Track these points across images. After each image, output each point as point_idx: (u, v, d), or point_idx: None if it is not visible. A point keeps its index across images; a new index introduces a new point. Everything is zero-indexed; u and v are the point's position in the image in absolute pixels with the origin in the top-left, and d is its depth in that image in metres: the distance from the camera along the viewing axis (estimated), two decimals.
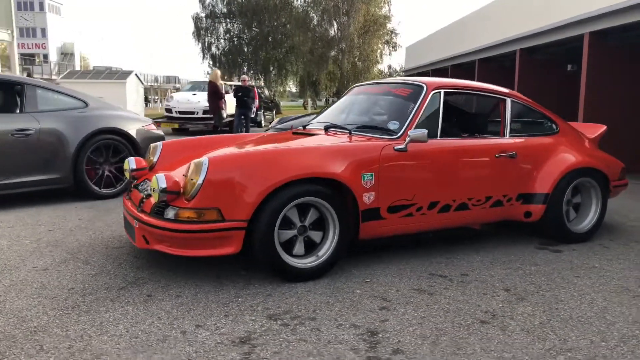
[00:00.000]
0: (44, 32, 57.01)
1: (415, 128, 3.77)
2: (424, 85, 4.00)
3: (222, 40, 42.37)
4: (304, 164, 3.29)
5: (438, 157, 3.82)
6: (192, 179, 3.15)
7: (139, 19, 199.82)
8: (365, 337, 2.57)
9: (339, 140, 3.76)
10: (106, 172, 5.99)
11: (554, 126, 4.57)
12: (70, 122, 5.71)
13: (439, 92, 3.99)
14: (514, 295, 3.17)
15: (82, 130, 5.74)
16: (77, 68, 52.59)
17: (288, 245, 3.32)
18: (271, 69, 42.01)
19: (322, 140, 3.82)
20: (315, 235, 3.39)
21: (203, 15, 41.24)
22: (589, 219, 4.50)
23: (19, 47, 56.93)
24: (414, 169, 3.71)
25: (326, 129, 4.07)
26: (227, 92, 15.57)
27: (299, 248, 3.35)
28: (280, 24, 39.00)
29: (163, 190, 3.16)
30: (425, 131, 3.61)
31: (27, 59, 53.82)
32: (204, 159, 3.18)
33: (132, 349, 2.41)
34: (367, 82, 4.86)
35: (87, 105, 6.03)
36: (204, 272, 3.45)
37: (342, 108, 4.60)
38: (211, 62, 41.82)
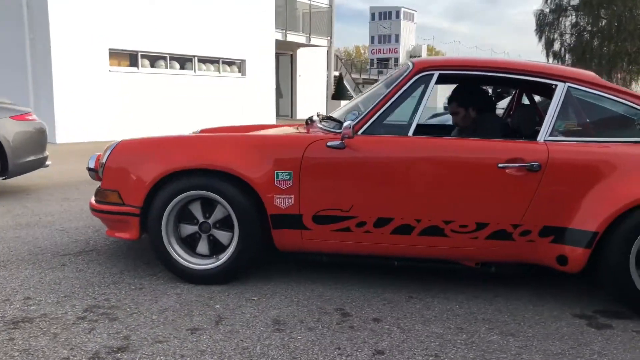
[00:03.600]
0: (397, 38, 62.71)
1: (377, 122, 2.93)
2: (410, 65, 3.04)
3: (567, 36, 38.96)
4: (196, 154, 2.97)
5: (394, 159, 2.87)
6: (101, 160, 3.21)
7: (487, 20, 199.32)
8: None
9: (279, 131, 3.23)
10: None
11: None
12: None
13: (431, 74, 2.97)
14: None
15: None
16: None
17: (194, 243, 3.07)
18: (621, 64, 36.57)
19: (276, 131, 3.34)
20: (223, 236, 3.02)
21: (547, 10, 38.60)
22: None
23: (373, 53, 64.69)
24: (354, 172, 2.88)
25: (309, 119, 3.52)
26: None
27: (201, 247, 3.06)
28: (637, 13, 33.49)
29: (89, 169, 3.32)
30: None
31: (382, 63, 60.37)
32: (116, 141, 3.20)
33: None
34: None
35: None
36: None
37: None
38: (552, 60, 39.00)
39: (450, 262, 2.97)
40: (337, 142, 2.87)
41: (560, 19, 38.58)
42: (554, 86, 2.92)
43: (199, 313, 2.63)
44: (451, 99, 3.39)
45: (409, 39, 63.91)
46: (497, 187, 2.79)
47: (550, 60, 38.43)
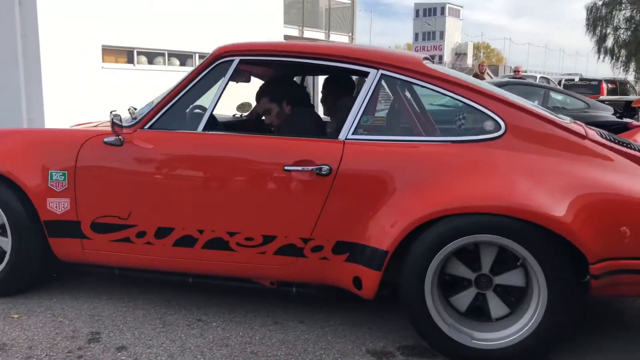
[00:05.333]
0: (441, 34, 61.23)
1: (169, 115, 2.54)
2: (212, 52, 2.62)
3: (620, 30, 36.92)
4: None
5: (175, 159, 2.46)
6: None
7: (548, 16, 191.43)
8: None
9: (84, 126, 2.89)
10: None
11: (489, 124, 2.30)
12: None
13: (230, 60, 2.54)
14: None
15: None
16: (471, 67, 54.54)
17: None
18: None
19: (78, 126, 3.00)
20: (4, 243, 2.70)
21: (600, 3, 36.63)
22: (520, 325, 2.12)
23: (417, 50, 63.22)
24: (131, 174, 2.50)
25: None
26: None
27: None
28: None
29: None
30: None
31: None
32: None
33: None
34: None
35: None
36: None
37: None
38: (604, 56, 37.09)
39: (245, 280, 2.53)
40: (113, 138, 2.49)
41: (614, 12, 36.63)
42: (365, 74, 2.43)
43: None
44: (260, 95, 2.91)
45: (455, 35, 62.22)
46: (284, 194, 2.33)
47: (602, 56, 36.48)
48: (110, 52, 12.09)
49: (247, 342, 2.31)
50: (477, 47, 76.02)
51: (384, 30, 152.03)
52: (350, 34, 21.46)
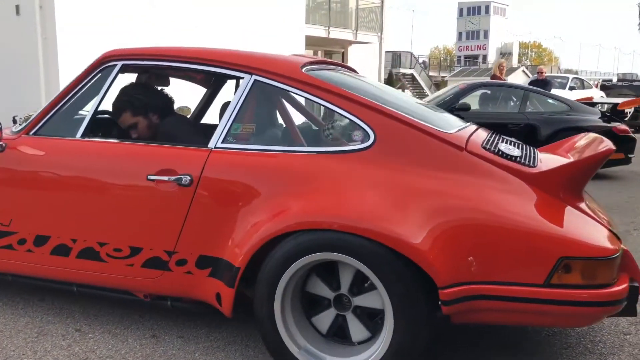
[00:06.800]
0: (485, 34, 59.83)
1: (54, 121, 2.51)
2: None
3: None
4: None
5: (51, 165, 2.43)
6: None
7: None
8: None
9: None
10: None
11: (358, 134, 2.14)
12: None
13: (113, 65, 2.50)
14: None
15: None
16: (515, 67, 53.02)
17: None
18: None
19: None
20: None
21: None
22: (372, 351, 1.97)
23: (460, 50, 62.02)
24: (12, 180, 2.48)
25: None
26: None
27: None
28: None
29: None
30: None
31: (469, 60, 57.89)
32: None
33: None
34: None
35: None
36: None
37: None
38: None
39: (123, 292, 2.46)
40: None
41: None
42: (239, 79, 2.33)
43: None
44: (118, 111, 2.71)
45: (500, 34, 60.66)
46: (148, 204, 2.26)
47: None
48: None
49: (109, 356, 2.25)
50: (525, 46, 73.93)
51: (426, 30, 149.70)
52: (379, 34, 21.23)
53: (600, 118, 6.66)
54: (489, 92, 7.87)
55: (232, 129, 2.26)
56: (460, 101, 6.81)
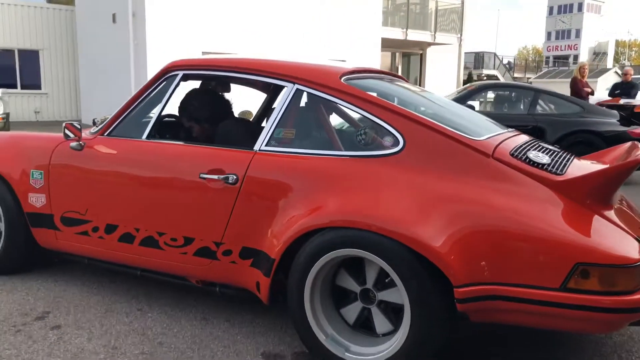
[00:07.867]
0: (577, 33, 56.83)
1: (125, 124, 2.85)
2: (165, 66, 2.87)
3: None
4: None
5: (119, 163, 2.75)
6: None
7: None
8: None
9: None
10: None
11: (388, 139, 2.28)
12: None
13: (175, 74, 2.79)
14: None
15: None
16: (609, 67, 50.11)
17: None
18: None
19: None
20: None
21: None
22: (390, 343, 2.10)
23: (548, 50, 59.23)
24: (88, 175, 2.84)
25: None
26: (591, 93, 12.30)
27: None
28: None
29: None
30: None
31: (559, 61, 55.24)
32: None
33: None
34: None
35: None
36: None
37: None
38: None
39: (179, 278, 2.74)
40: (75, 144, 2.85)
41: None
42: (282, 87, 2.53)
43: None
44: (184, 112, 3.10)
45: (594, 33, 57.39)
46: (200, 199, 2.52)
47: None
48: None
49: (163, 333, 2.53)
50: (623, 45, 69.46)
51: (515, 29, 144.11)
52: (459, 35, 20.88)
53: (618, 121, 6.41)
54: (499, 93, 7.87)
55: (274, 133, 2.47)
56: (467, 102, 6.82)
